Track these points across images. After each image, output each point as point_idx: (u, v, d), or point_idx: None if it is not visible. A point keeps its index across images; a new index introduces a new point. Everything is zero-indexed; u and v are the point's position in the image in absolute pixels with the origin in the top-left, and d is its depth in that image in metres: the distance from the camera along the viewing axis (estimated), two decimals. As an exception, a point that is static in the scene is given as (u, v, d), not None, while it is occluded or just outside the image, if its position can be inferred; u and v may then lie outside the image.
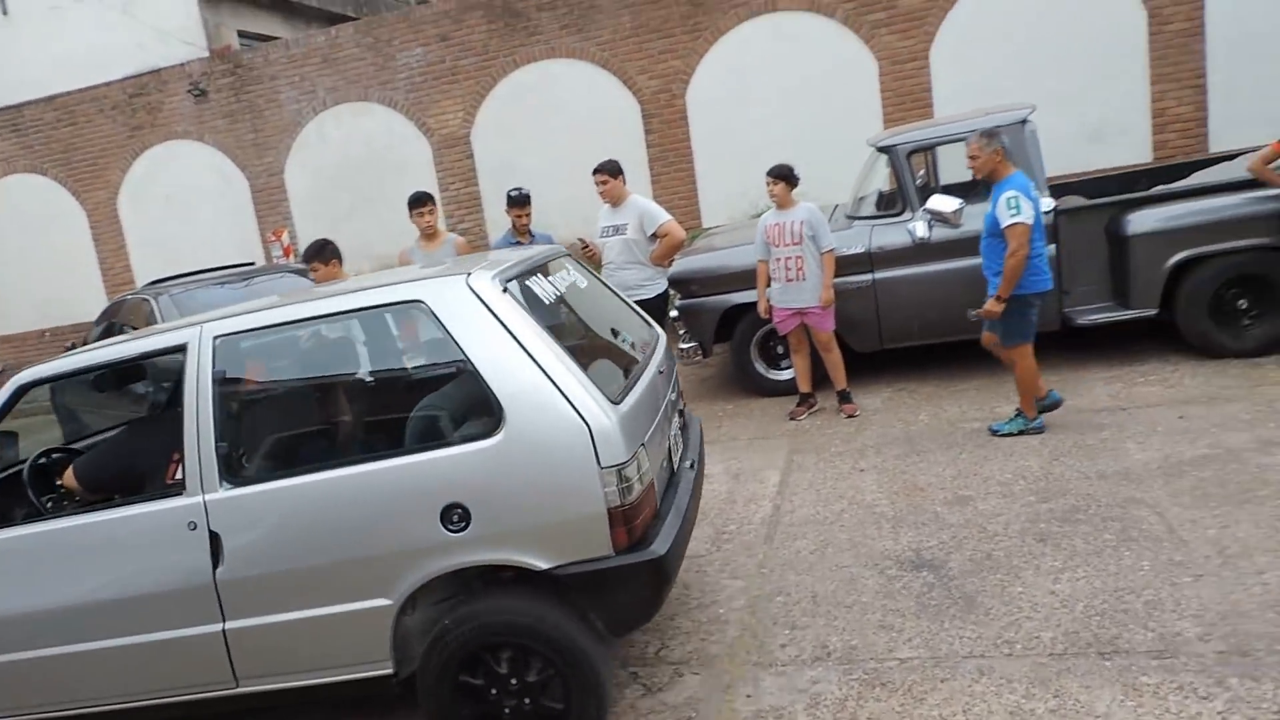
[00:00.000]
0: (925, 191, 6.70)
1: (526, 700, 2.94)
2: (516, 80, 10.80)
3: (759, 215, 9.65)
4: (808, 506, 4.79)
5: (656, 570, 2.87)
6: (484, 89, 10.90)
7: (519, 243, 6.30)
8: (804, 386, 6.33)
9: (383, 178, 11.20)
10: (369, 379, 3.70)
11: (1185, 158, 8.66)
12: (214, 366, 3.09)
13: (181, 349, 3.16)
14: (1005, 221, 4.95)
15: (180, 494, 3.06)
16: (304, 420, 3.61)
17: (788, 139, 9.58)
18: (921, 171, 7.19)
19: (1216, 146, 8.83)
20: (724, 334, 6.98)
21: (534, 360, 2.84)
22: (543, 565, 2.85)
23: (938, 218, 6.17)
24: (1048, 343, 6.68)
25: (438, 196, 10.64)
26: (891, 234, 6.50)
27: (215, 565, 2.99)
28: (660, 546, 2.89)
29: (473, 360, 2.88)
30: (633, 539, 2.85)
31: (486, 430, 2.85)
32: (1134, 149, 9.19)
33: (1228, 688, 2.89)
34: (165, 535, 3.05)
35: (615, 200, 6.29)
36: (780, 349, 6.85)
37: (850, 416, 6.08)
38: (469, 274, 3.03)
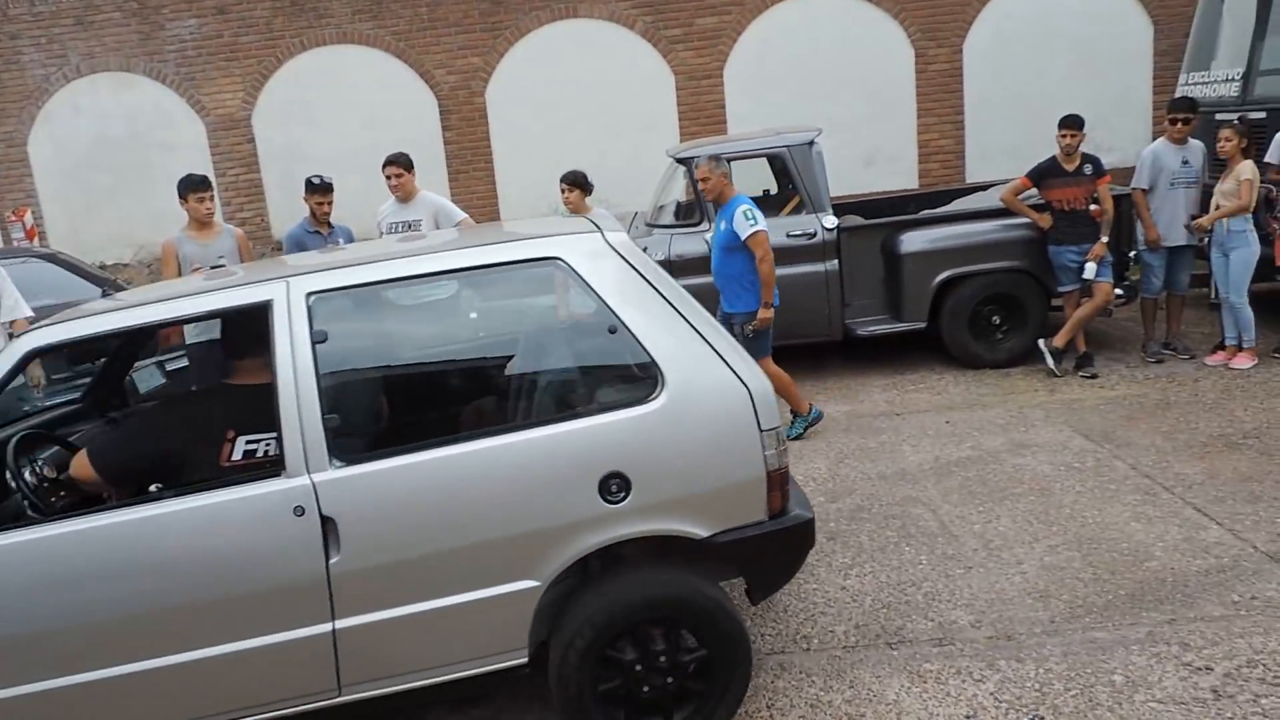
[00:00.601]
0: (722, 204, 6.95)
1: (669, 679, 2.73)
2: (305, 63, 10.19)
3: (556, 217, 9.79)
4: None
5: (807, 533, 2.87)
6: (268, 69, 10.20)
7: (317, 233, 5.91)
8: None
9: (149, 158, 10.20)
10: (500, 341, 3.30)
11: (946, 185, 9.55)
12: (311, 327, 2.63)
13: (264, 308, 2.67)
14: (746, 232, 5.25)
15: (278, 475, 2.58)
16: (427, 388, 3.16)
17: (588, 144, 9.66)
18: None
19: (972, 177, 9.80)
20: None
21: (687, 321, 2.72)
22: (702, 534, 2.71)
23: (735, 230, 6.40)
24: (833, 352, 7.11)
25: (213, 181, 9.83)
26: (690, 243, 6.68)
27: (327, 556, 2.54)
28: (804, 510, 2.88)
29: (625, 320, 2.69)
30: (784, 502, 2.79)
31: (644, 395, 2.68)
32: (902, 175, 10.02)
33: (998, 669, 3.18)
34: (262, 524, 2.55)
35: (407, 195, 6.03)
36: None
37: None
38: (602, 231, 2.84)
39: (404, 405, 3.06)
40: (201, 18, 10.10)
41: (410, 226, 6.02)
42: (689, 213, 6.98)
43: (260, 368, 2.79)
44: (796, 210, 6.85)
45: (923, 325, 6.65)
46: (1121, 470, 4.74)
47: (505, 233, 3.37)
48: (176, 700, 2.59)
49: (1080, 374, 6.31)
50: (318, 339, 2.64)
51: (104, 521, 2.54)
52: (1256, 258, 6.06)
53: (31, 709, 2.50)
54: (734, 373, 2.72)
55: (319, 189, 5.89)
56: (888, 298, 6.79)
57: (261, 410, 2.71)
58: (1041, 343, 6.43)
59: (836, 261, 6.62)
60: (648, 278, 2.78)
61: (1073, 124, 6.23)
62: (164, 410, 3.49)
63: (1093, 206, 6.19)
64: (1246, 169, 5.92)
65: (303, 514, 2.54)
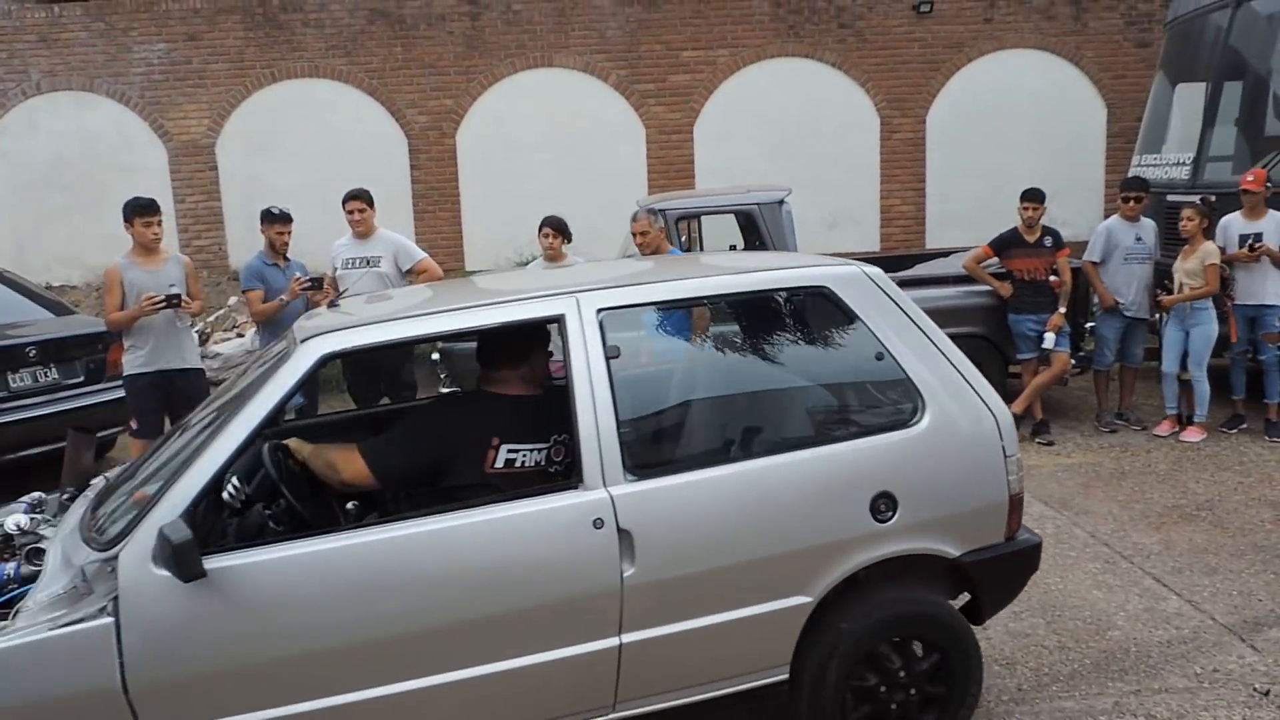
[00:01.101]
0: (691, 257, 7.00)
1: (913, 691, 2.88)
2: (274, 94, 10.13)
3: (524, 263, 9.77)
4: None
5: (1036, 556, 3.06)
6: (235, 98, 10.12)
7: (275, 265, 5.79)
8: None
9: (106, 180, 9.98)
10: (773, 365, 3.31)
11: (906, 250, 9.76)
12: (603, 342, 2.65)
13: (558, 321, 2.68)
14: None
15: (575, 488, 2.57)
16: (709, 406, 3.18)
17: (557, 192, 9.70)
18: (685, 238, 7.52)
19: (931, 242, 10.04)
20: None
21: (939, 349, 2.89)
22: (954, 553, 2.86)
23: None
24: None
25: (171, 208, 9.65)
26: (659, 294, 6.67)
27: (622, 569, 2.53)
28: (1032, 535, 3.06)
29: (889, 348, 2.84)
30: (1018, 526, 2.99)
31: (907, 418, 2.82)
32: (865, 238, 10.23)
33: (967, 737, 3.14)
34: (561, 536, 2.51)
35: (366, 231, 5.94)
36: None
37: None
38: (848, 264, 3.02)
39: (687, 422, 3.09)
40: (171, 43, 10.01)
41: (369, 263, 5.91)
42: (658, 264, 7.00)
43: (517, 379, 2.94)
44: (764, 267, 6.91)
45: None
46: (1081, 537, 4.79)
47: (770, 262, 3.57)
48: (461, 715, 2.55)
49: (1037, 440, 6.40)
50: (611, 354, 2.66)
51: (398, 533, 2.45)
52: (1216, 334, 6.25)
53: None
54: (983, 400, 2.89)
55: (278, 219, 5.77)
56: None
57: (523, 421, 2.84)
58: (999, 409, 6.52)
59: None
60: (903, 308, 2.93)
61: (1035, 197, 6.42)
62: (434, 414, 3.40)
63: (1052, 278, 6.36)
64: (1211, 252, 6.12)
65: (601, 526, 2.52)
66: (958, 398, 2.84)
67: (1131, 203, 6.49)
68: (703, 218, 7.71)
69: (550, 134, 10.13)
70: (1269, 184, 6.17)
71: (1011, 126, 10.12)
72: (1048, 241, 6.41)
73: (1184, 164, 7.51)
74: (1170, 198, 7.18)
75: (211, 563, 2.23)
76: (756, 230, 7.03)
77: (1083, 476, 5.73)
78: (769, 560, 2.66)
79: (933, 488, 2.82)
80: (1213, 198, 6.54)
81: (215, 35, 10.00)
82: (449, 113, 10.19)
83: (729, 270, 3.13)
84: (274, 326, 5.67)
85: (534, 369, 2.99)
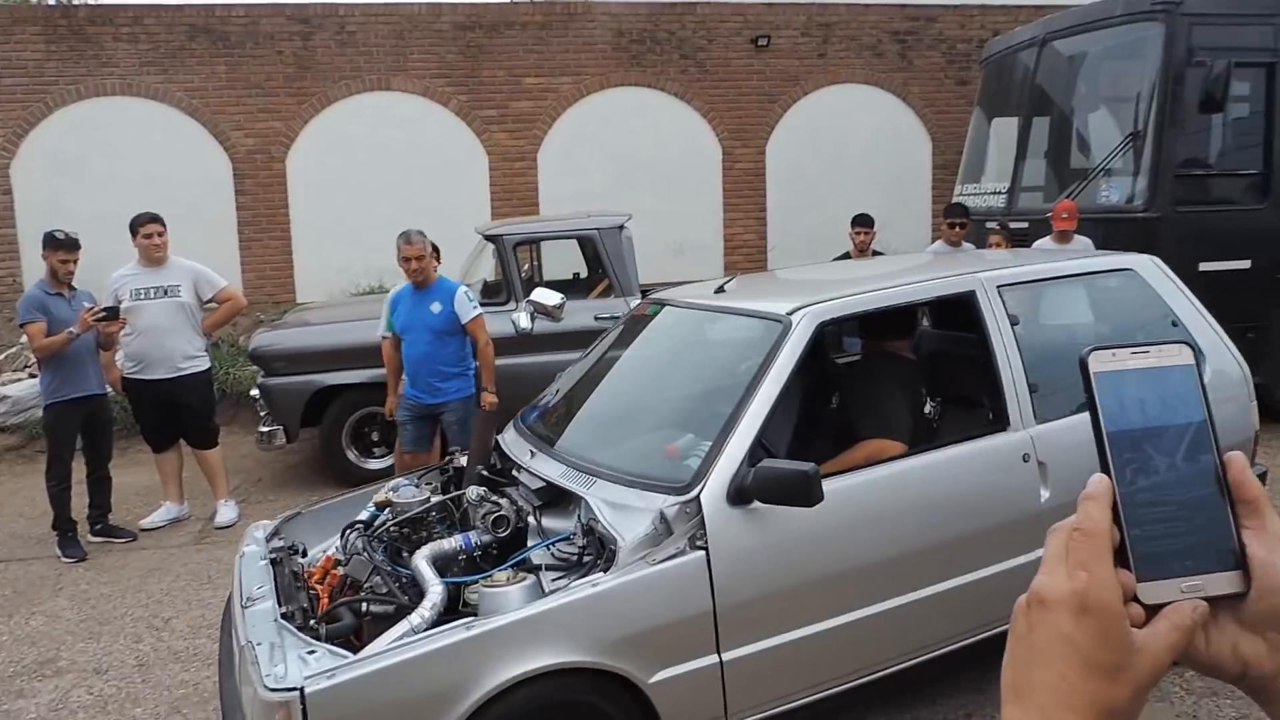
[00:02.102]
0: (529, 284, 6.82)
1: None
2: (80, 113, 9.34)
3: (362, 294, 9.33)
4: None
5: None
6: (35, 117, 9.27)
7: (59, 295, 5.24)
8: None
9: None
10: (1104, 326, 4.12)
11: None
12: (1006, 312, 3.27)
13: (969, 295, 3.28)
14: (470, 315, 5.14)
15: (1004, 430, 3.14)
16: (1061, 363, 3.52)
17: (396, 218, 9.30)
18: (527, 265, 7.34)
19: (773, 266, 10.22)
20: (312, 417, 6.39)
21: (1207, 322, 3.67)
22: None
23: (540, 310, 6.25)
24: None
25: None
26: (496, 322, 6.46)
27: (1040, 495, 3.11)
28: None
29: (1182, 321, 3.57)
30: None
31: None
32: (710, 265, 10.31)
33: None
34: (1000, 468, 3.11)
35: (162, 259, 5.51)
36: (376, 435, 6.44)
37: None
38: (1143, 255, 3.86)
39: (1056, 375, 3.42)
40: (-43, 54, 9.09)
41: (166, 293, 5.46)
42: (496, 291, 6.79)
43: (908, 347, 3.74)
44: (605, 294, 6.81)
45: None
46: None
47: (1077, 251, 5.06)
48: (928, 628, 3.02)
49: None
50: (1013, 321, 3.27)
51: (891, 470, 2.98)
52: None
53: (839, 637, 2.82)
54: (1232, 354, 3.63)
55: (63, 245, 5.26)
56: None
57: (922, 379, 3.61)
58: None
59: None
60: (1182, 290, 3.71)
61: (865, 222, 6.60)
62: (896, 378, 3.61)
63: (882, 301, 6.54)
64: None
65: (1028, 460, 3.10)
66: (1222, 360, 3.60)
67: (956, 228, 6.76)
68: (542, 243, 7.56)
69: (389, 159, 9.76)
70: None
71: (846, 158, 10.49)
72: (877, 266, 6.59)
73: (1000, 193, 7.92)
74: (989, 224, 7.54)
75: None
76: (597, 256, 6.93)
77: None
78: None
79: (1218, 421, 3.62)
80: (1025, 224, 6.91)
81: (10, 47, 9.15)
82: (278, 135, 9.67)
83: (1054, 258, 4.33)
84: (60, 363, 5.14)
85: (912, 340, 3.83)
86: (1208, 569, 0.55)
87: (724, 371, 3.30)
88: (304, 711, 2.12)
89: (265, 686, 2.18)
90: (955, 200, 8.65)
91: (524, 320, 6.37)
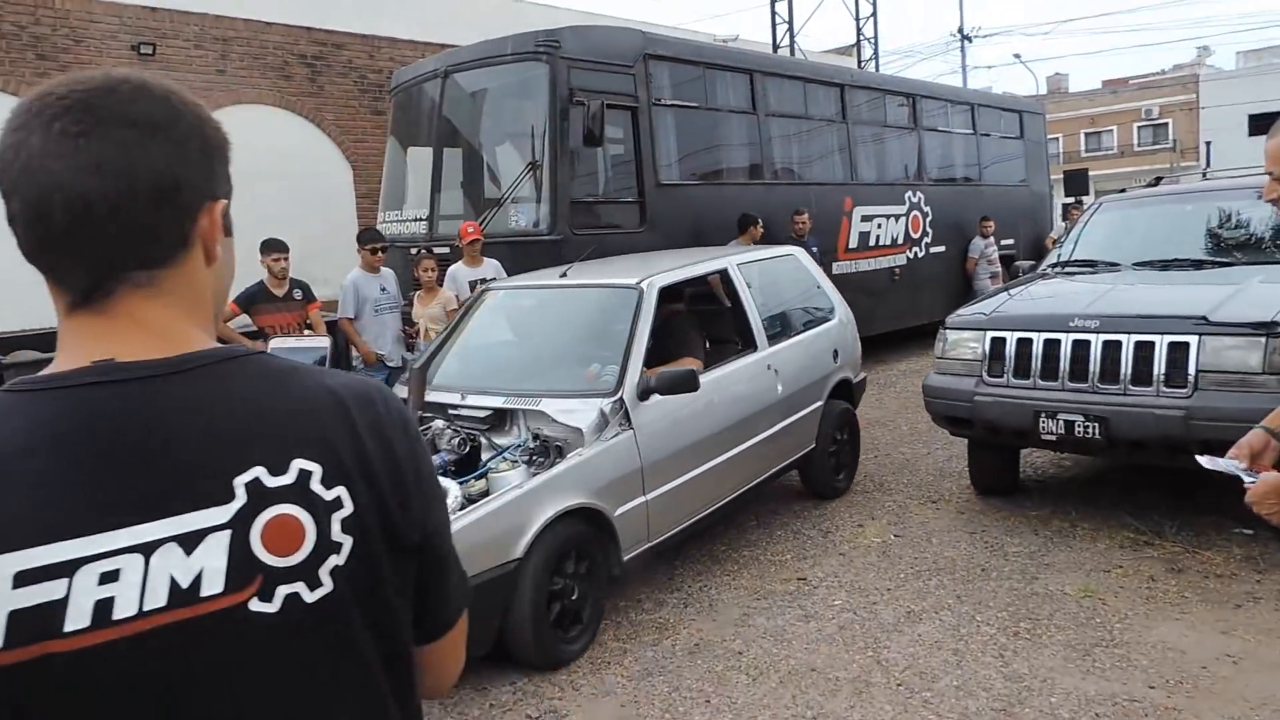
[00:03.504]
0: None
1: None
2: None
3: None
4: None
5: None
6: None
7: None
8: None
9: None
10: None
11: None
12: (746, 280, 5.23)
13: (724, 270, 5.18)
14: None
15: (755, 350, 5.03)
16: None
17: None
18: None
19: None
20: None
21: (828, 292, 6.02)
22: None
23: None
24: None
25: None
26: None
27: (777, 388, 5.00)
28: None
29: (823, 287, 5.91)
30: None
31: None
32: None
33: None
34: (757, 373, 4.92)
35: None
36: None
37: None
38: None
39: (768, 318, 5.39)
40: None
41: None
42: None
43: (681, 307, 5.26)
44: None
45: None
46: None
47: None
48: (740, 472, 4.69)
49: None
50: (749, 284, 5.19)
51: (722, 372, 4.67)
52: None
53: (703, 480, 4.36)
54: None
55: None
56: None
57: (700, 325, 5.31)
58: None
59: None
60: (816, 272, 5.96)
61: (277, 247, 6.08)
62: (689, 323, 5.13)
63: (306, 332, 6.07)
64: (450, 299, 6.50)
65: (770, 369, 4.98)
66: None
67: (378, 254, 6.57)
68: None
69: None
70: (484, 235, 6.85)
71: (263, 185, 9.70)
72: (297, 294, 6.11)
73: (421, 219, 7.98)
74: (414, 251, 7.53)
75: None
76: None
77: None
78: None
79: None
80: (448, 249, 7.02)
81: None
82: None
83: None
84: None
85: None
86: None
87: (599, 323, 4.59)
88: None
89: None
90: (373, 227, 8.56)
91: None
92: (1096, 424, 4.36)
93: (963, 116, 12.10)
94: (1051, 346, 4.61)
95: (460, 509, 3.39)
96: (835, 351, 5.54)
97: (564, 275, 4.88)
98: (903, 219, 10.71)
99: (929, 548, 4.70)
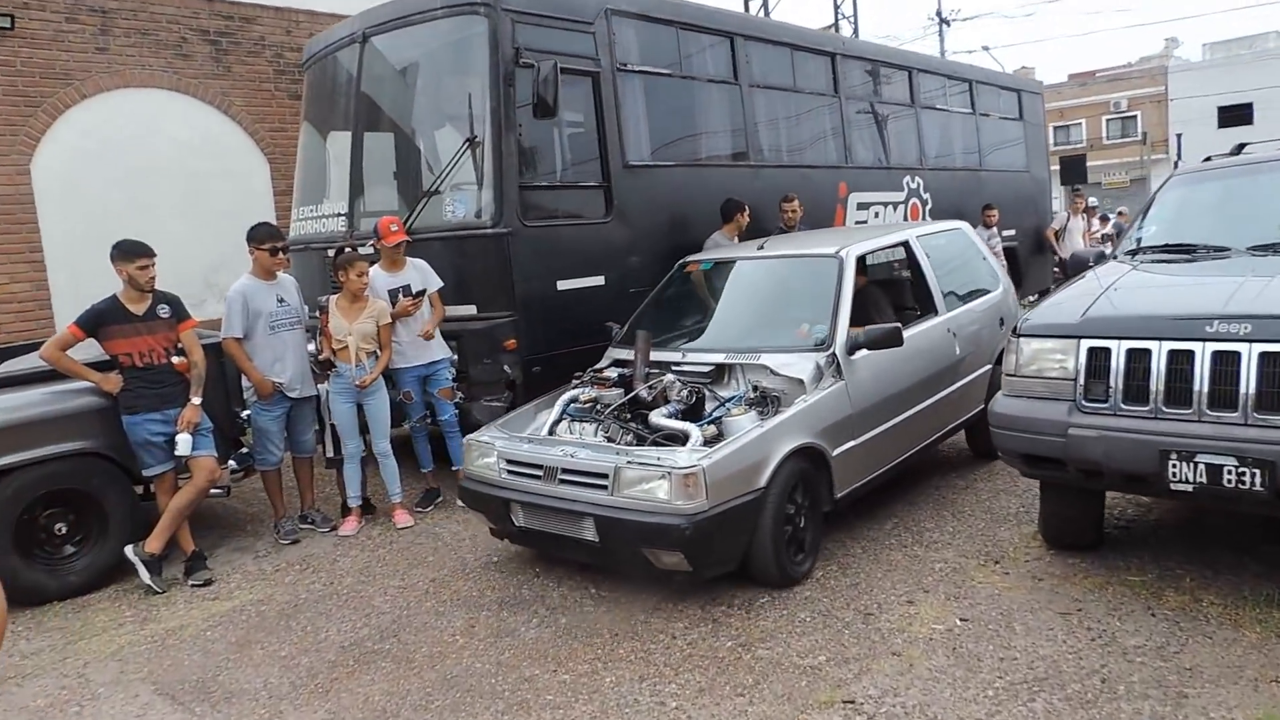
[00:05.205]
0: None
1: None
2: None
3: None
4: None
5: None
6: None
7: None
8: None
9: None
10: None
11: (27, 340, 7.13)
12: (927, 253, 5.52)
13: (906, 243, 5.50)
14: None
15: (936, 315, 5.35)
16: None
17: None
18: None
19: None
20: None
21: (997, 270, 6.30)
22: None
23: None
24: None
25: None
26: None
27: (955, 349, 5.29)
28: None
29: (989, 259, 6.05)
30: None
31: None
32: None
33: None
34: (939, 334, 5.23)
35: None
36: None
37: None
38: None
39: (948, 290, 5.68)
40: None
41: None
42: None
43: (863, 280, 5.60)
44: None
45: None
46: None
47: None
48: (925, 426, 5.03)
49: (190, 582, 4.63)
50: (929, 256, 5.55)
51: (913, 331, 4.90)
52: (389, 401, 5.32)
53: (899, 429, 4.74)
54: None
55: None
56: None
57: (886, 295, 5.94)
58: (130, 550, 4.58)
59: None
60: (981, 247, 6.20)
61: (140, 251, 4.66)
62: (880, 292, 5.88)
63: (176, 359, 4.66)
64: (384, 310, 5.18)
65: (950, 331, 5.28)
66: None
67: (279, 255, 5.18)
68: None
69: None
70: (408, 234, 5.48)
71: (157, 181, 8.28)
72: (164, 311, 4.69)
73: (341, 215, 6.59)
74: (330, 251, 6.11)
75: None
76: None
77: (243, 627, 4.10)
78: None
79: None
80: (372, 249, 5.65)
81: None
82: None
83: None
84: None
85: None
86: None
87: (807, 288, 4.90)
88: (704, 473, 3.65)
89: (677, 466, 3.66)
90: (295, 228, 7.15)
91: None
92: (1257, 470, 3.09)
93: (961, 96, 10.89)
94: (1181, 360, 3.33)
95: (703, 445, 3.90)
96: (1001, 319, 5.76)
97: (761, 248, 5.40)
98: (901, 207, 9.47)
99: (1014, 640, 3.39)
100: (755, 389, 4.31)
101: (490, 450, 4.26)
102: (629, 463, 3.78)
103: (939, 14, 22.52)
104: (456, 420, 5.51)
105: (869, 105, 9.22)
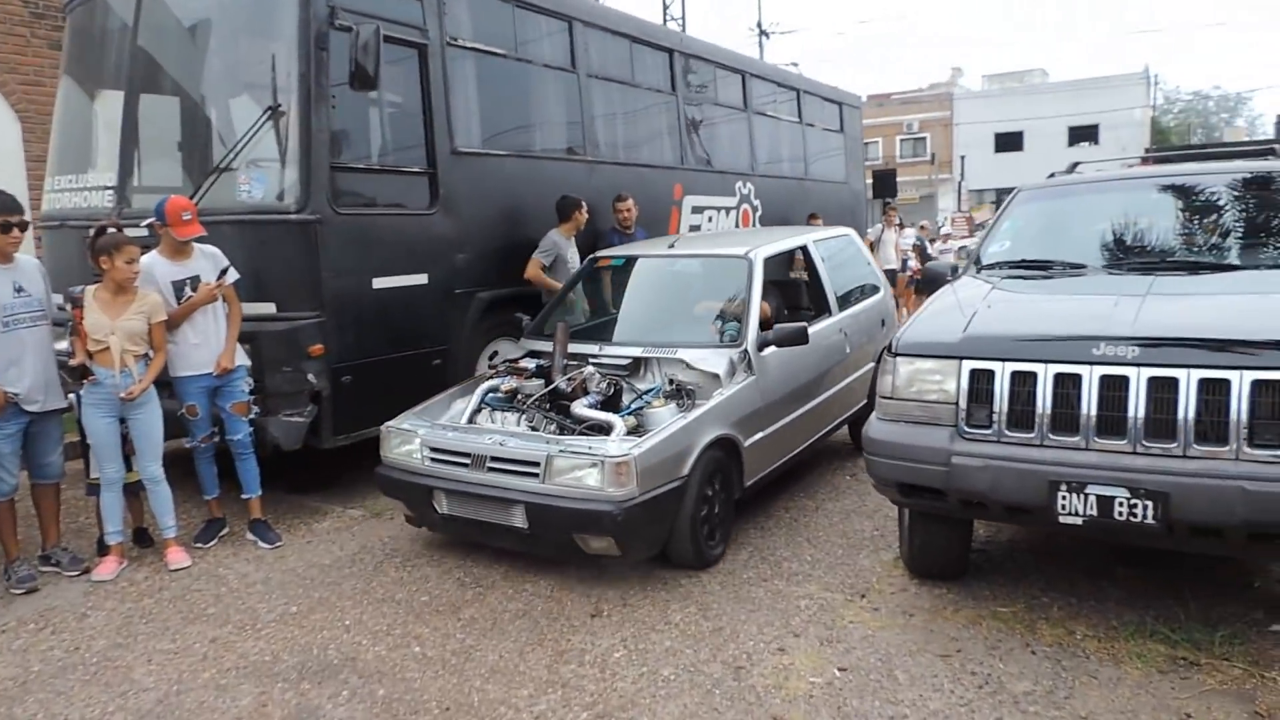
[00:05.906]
0: None
1: None
2: None
3: None
4: None
5: None
6: None
7: None
8: None
9: None
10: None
11: None
12: (822, 256, 5.86)
13: (804, 247, 5.79)
14: None
15: (830, 315, 5.67)
16: None
17: None
18: None
19: None
20: None
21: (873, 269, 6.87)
22: None
23: None
24: None
25: None
26: None
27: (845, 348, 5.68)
28: None
29: (870, 264, 6.66)
30: None
31: None
32: None
33: None
34: (832, 333, 5.52)
35: None
36: None
37: None
38: None
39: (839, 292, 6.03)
40: None
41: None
42: None
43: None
44: None
45: None
46: None
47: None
48: (820, 420, 5.33)
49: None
50: (825, 260, 5.87)
51: (813, 330, 4.98)
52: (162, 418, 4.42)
53: (800, 421, 5.01)
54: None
55: None
56: None
57: (781, 294, 6.31)
58: None
59: None
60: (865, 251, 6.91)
61: None
62: (773, 292, 6.16)
63: None
64: (157, 306, 4.30)
65: (841, 331, 5.57)
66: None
67: (14, 232, 4.17)
68: None
69: None
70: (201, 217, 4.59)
71: None
72: None
73: (109, 189, 5.53)
74: (91, 232, 5.07)
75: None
76: None
77: (-51, 717, 3.16)
78: None
79: None
80: (147, 231, 4.71)
81: None
82: None
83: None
84: None
85: None
86: None
87: (716, 287, 5.14)
88: (635, 462, 3.78)
89: (609, 455, 3.78)
90: (47, 199, 5.99)
91: None
92: (1150, 502, 2.93)
93: (789, 104, 10.91)
94: (1067, 384, 3.14)
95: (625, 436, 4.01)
96: (882, 320, 6.13)
97: (672, 247, 5.59)
98: (734, 212, 9.30)
99: (899, 693, 3.08)
100: (671, 382, 4.47)
101: (412, 437, 4.27)
102: (560, 451, 3.87)
103: (759, 25, 22.99)
104: (251, 439, 4.68)
105: (705, 106, 8.97)
